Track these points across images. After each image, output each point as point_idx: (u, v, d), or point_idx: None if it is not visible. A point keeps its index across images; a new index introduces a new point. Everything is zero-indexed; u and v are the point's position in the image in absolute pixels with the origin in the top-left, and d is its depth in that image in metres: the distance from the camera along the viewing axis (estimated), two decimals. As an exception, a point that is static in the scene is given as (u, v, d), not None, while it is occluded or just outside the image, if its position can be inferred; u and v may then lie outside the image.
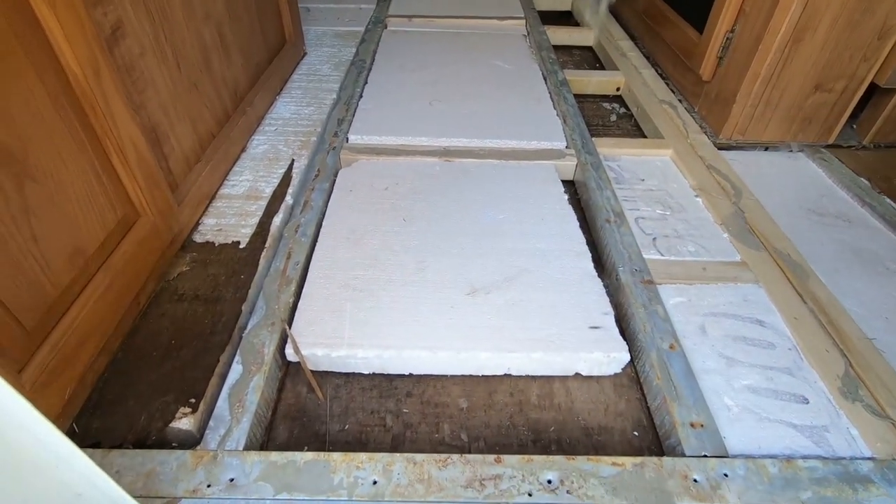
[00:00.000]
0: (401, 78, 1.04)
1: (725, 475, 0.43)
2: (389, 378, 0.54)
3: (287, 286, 0.58)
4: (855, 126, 0.89)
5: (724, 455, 0.45)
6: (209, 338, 0.53)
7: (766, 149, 0.88)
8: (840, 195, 0.78)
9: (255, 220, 0.67)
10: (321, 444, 0.48)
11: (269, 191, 0.73)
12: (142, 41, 0.56)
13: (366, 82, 1.02)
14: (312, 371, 0.53)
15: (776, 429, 0.47)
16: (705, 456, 0.44)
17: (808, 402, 0.49)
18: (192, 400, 0.47)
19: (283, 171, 0.77)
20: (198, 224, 0.66)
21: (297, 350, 0.51)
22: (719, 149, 0.85)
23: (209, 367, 0.50)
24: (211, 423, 0.46)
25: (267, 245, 0.64)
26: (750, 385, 0.51)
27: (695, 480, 0.42)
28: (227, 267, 0.61)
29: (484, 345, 0.53)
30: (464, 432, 0.50)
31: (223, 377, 0.49)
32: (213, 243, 0.64)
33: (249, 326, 0.53)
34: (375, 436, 0.49)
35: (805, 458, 0.45)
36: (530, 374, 0.54)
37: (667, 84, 1.04)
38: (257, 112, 0.87)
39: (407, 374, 0.54)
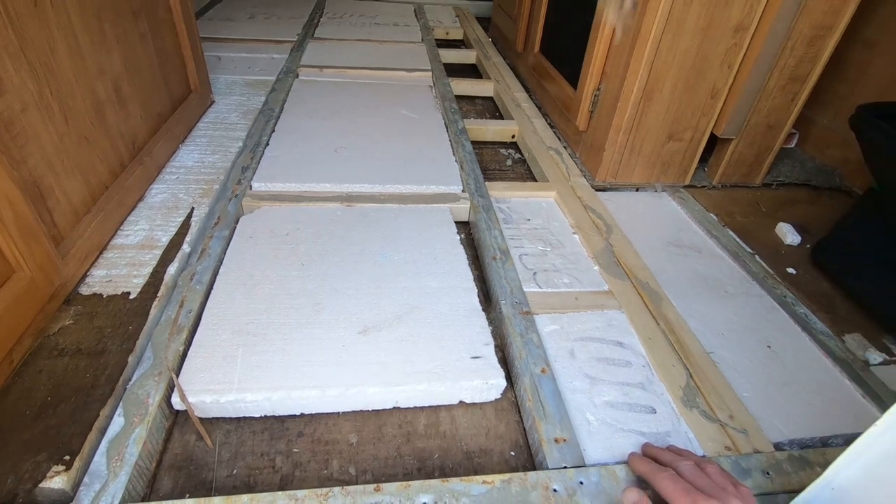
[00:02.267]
0: (309, 126, 1.08)
1: (581, 483, 0.48)
2: (281, 420, 0.56)
3: (178, 335, 0.59)
4: (706, 169, 1.04)
5: (581, 465, 0.50)
6: (90, 392, 0.52)
7: (637, 189, 1.00)
8: (694, 229, 0.90)
9: (148, 270, 0.67)
10: (207, 490, 0.49)
11: (165, 240, 0.73)
12: (23, 97, 0.57)
13: (273, 130, 1.06)
14: (201, 418, 0.54)
15: (628, 438, 0.54)
16: (565, 467, 0.49)
17: (655, 412, 0.57)
18: (67, 457, 0.46)
19: (181, 219, 0.78)
20: (85, 276, 0.65)
21: (183, 398, 0.52)
22: (597, 190, 0.96)
23: (88, 423, 0.49)
24: (86, 479, 0.45)
25: (159, 294, 0.64)
26: (609, 401, 0.58)
27: (554, 490, 0.47)
28: (115, 319, 0.60)
29: (372, 380, 0.56)
30: (352, 466, 0.52)
31: (103, 431, 0.49)
32: (100, 295, 0.63)
33: (135, 377, 0.53)
34: (264, 478, 0.50)
35: (649, 461, 0.51)
36: (418, 405, 0.58)
37: (554, 132, 1.15)
38: (157, 161, 0.88)
39: (298, 414, 0.56)
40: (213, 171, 0.91)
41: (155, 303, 0.63)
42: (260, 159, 0.95)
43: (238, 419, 0.55)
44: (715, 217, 0.92)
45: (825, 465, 0.44)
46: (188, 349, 0.57)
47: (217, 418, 0.55)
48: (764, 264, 0.81)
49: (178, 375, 0.54)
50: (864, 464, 0.39)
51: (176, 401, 0.52)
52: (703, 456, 0.52)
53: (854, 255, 0.76)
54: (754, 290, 0.76)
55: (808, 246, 0.86)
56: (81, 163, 0.67)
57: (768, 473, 0.50)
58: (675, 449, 0.51)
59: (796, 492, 0.45)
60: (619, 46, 0.89)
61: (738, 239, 0.87)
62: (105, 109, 0.73)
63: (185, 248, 0.72)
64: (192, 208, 0.80)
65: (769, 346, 0.67)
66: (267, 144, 1.00)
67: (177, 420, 0.55)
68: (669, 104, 0.89)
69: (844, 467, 0.41)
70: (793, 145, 1.13)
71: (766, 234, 0.89)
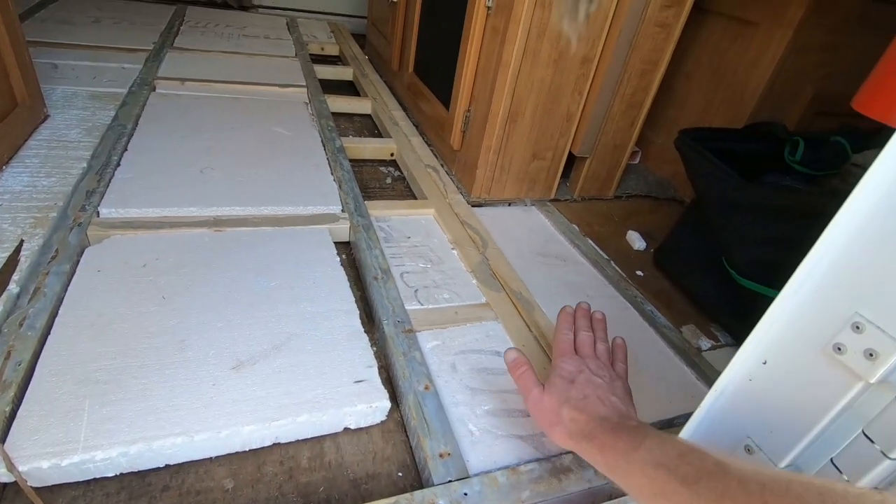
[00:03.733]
0: (169, 144, 0.99)
1: (465, 494, 0.50)
2: (142, 475, 0.50)
3: (4, 393, 0.50)
4: (568, 184, 1.15)
5: (465, 476, 0.52)
6: None
7: (510, 204, 1.07)
8: (559, 239, 0.98)
9: (-40, 318, 0.57)
10: (47, 572, 0.42)
11: (-16, 280, 0.62)
12: None
13: (126, 149, 0.95)
14: (39, 487, 0.46)
15: (508, 443, 0.57)
16: (450, 481, 0.51)
17: (530, 415, 0.61)
18: None
19: (6, 254, 0.67)
20: None
21: (10, 468, 0.44)
22: (472, 206, 1.01)
23: None
24: None
25: (-23, 347, 0.54)
26: (489, 409, 0.61)
27: (440, 505, 0.48)
28: (-87, 381, 0.50)
29: (247, 418, 0.53)
30: (228, 515, 0.48)
31: None
32: None
33: (-58, 451, 0.45)
34: (121, 545, 0.45)
35: (527, 462, 0.55)
36: (300, 438, 0.56)
37: (431, 150, 1.19)
38: (-28, 187, 0.74)
39: (163, 466, 0.51)
40: (48, 196, 0.79)
41: (-29, 357, 0.53)
42: (109, 182, 0.85)
43: (87, 482, 0.48)
44: (577, 228, 1.02)
45: (669, 444, 0.50)
46: (18, 408, 0.49)
47: (60, 484, 0.48)
48: (618, 268, 0.92)
49: (3, 441, 0.46)
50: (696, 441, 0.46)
51: (1, 472, 0.45)
52: (617, 339, 0.62)
53: (683, 256, 0.89)
54: (610, 292, 0.85)
55: (651, 250, 0.99)
56: None
57: (626, 458, 0.56)
58: (596, 318, 0.64)
59: (647, 472, 0.52)
60: (484, 72, 0.95)
61: (596, 247, 0.97)
62: None
63: (13, 288, 0.62)
64: (22, 241, 0.69)
65: (624, 343, 0.75)
66: (118, 165, 0.90)
67: (5, 494, 0.46)
68: (531, 126, 0.97)
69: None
70: (637, 162, 1.30)
71: (619, 241, 1.01)
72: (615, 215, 1.10)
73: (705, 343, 0.78)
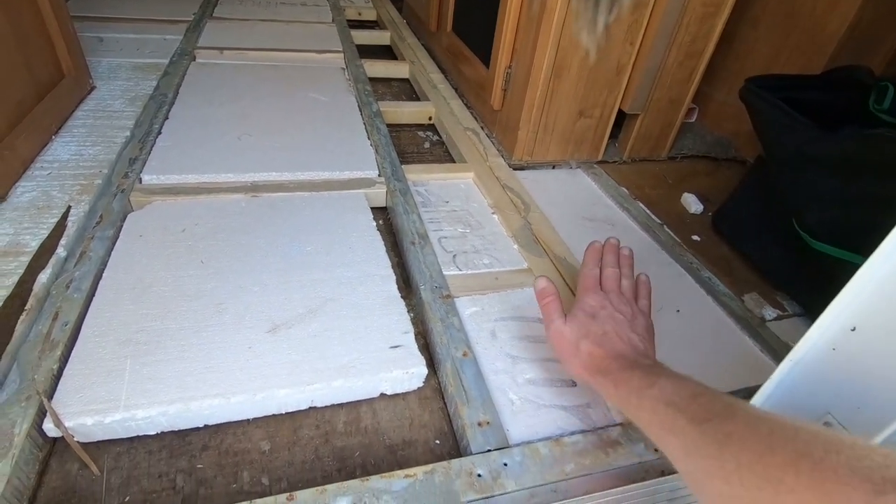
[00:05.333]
0: (208, 112, 0.99)
1: (505, 464, 0.47)
2: (182, 434, 0.50)
3: (51, 351, 0.51)
4: (616, 145, 1.07)
5: (505, 446, 0.49)
6: (-62, 428, 0.44)
7: (553, 167, 1.02)
8: (607, 203, 0.92)
9: (12, 281, 0.59)
10: (94, 524, 0.43)
11: (34, 244, 0.64)
12: None
13: (167, 117, 0.96)
14: (85, 443, 0.47)
15: (550, 413, 0.54)
16: (489, 451, 0.49)
17: (575, 385, 0.57)
18: None
19: (55, 220, 0.68)
20: (-71, 293, 0.56)
21: (58, 423, 0.45)
22: (514, 169, 0.96)
23: (-66, 464, 0.42)
24: (-68, 532, 0.38)
25: (27, 307, 0.56)
26: (531, 378, 0.58)
27: (479, 475, 0.46)
28: (-31, 340, 0.52)
29: (283, 381, 0.52)
30: (265, 476, 0.48)
31: (-46, 473, 0.41)
32: (-50, 314, 0.54)
33: (-5, 406, 0.46)
34: (162, 501, 0.45)
35: (571, 434, 0.51)
36: (335, 402, 0.55)
37: (471, 113, 1.14)
38: (22, 156, 0.77)
39: (202, 426, 0.51)
40: (94, 164, 0.81)
41: (22, 317, 0.55)
42: (151, 149, 0.85)
43: (130, 439, 0.49)
44: (626, 191, 0.95)
45: (729, 419, 0.46)
46: (64, 367, 0.50)
47: (105, 441, 0.49)
48: (671, 233, 0.85)
49: (51, 398, 0.47)
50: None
51: (49, 427, 0.46)
52: (640, 276, 0.60)
53: (745, 220, 0.81)
54: (664, 259, 0.79)
55: (709, 214, 0.91)
56: (-86, 159, 0.57)
57: (680, 433, 0.52)
58: (623, 254, 0.61)
59: (705, 448, 0.47)
60: (526, 24, 0.89)
61: (647, 210, 0.90)
62: (-57, 95, 0.62)
63: (61, 252, 0.64)
64: (69, 207, 0.71)
65: (678, 311, 0.70)
66: (159, 133, 0.91)
67: (54, 449, 0.48)
68: (578, 82, 0.90)
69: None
70: (693, 119, 1.20)
71: (673, 205, 0.94)
72: (669, 177, 1.02)
73: (770, 312, 0.72)
